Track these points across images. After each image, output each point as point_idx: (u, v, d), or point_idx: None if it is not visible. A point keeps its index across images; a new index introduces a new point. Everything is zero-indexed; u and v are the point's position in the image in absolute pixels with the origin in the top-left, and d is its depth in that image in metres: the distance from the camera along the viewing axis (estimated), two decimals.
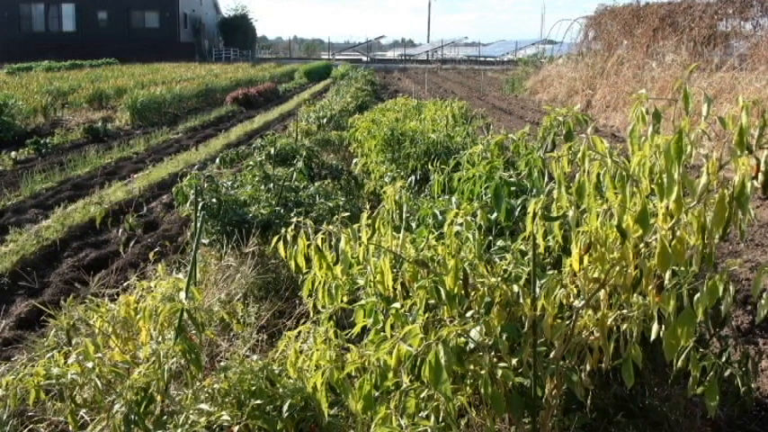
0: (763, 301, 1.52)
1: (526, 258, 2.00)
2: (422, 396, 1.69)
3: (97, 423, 1.83)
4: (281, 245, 2.12)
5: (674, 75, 11.99)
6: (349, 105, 10.61)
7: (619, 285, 1.72)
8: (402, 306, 1.95)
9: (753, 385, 1.95)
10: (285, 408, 1.83)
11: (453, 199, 2.80)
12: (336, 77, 25.01)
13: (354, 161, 5.70)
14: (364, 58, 48.72)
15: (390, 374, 1.68)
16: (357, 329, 2.06)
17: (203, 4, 49.65)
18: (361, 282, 2.14)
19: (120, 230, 5.18)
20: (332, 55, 55.63)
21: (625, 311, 1.76)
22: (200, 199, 3.72)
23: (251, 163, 4.99)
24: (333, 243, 2.04)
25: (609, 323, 1.77)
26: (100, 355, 1.90)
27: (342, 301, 2.13)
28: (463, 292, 1.88)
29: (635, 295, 1.73)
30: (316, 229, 2.05)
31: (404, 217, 2.53)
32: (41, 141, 9.49)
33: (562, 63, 19.17)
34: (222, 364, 2.06)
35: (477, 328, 1.80)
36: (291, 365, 1.90)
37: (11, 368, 2.14)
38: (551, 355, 1.84)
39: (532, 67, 21.81)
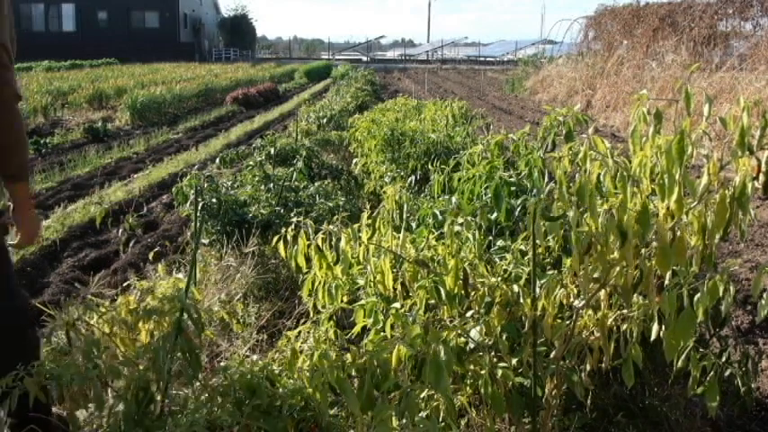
0: (763, 301, 1.52)
1: (526, 258, 2.00)
2: (422, 396, 1.69)
3: (97, 422, 1.83)
4: (281, 245, 2.12)
5: (673, 75, 12.00)
6: (349, 105, 10.61)
7: (619, 285, 1.72)
8: (402, 306, 1.95)
9: (753, 385, 1.95)
10: (285, 408, 1.83)
11: (453, 199, 2.80)
12: (336, 77, 25.02)
13: (354, 161, 5.70)
14: (364, 58, 48.73)
15: (390, 374, 1.68)
16: (357, 329, 2.06)
17: (203, 4, 49.67)
18: (361, 282, 2.14)
19: (120, 230, 5.18)
20: (332, 55, 55.65)
21: (625, 311, 1.76)
22: (200, 199, 3.73)
23: (251, 163, 4.99)
24: (333, 243, 2.04)
25: (609, 323, 1.77)
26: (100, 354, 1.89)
27: (342, 301, 2.13)
28: (463, 292, 1.88)
29: (635, 295, 1.73)
30: (316, 229, 2.05)
31: (404, 217, 2.54)
32: (41, 141, 9.49)
33: (562, 63, 19.18)
34: (222, 364, 2.06)
35: (477, 328, 1.80)
36: (291, 365, 1.90)
37: None
38: (551, 355, 1.84)
39: (532, 67, 21.81)
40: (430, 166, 3.61)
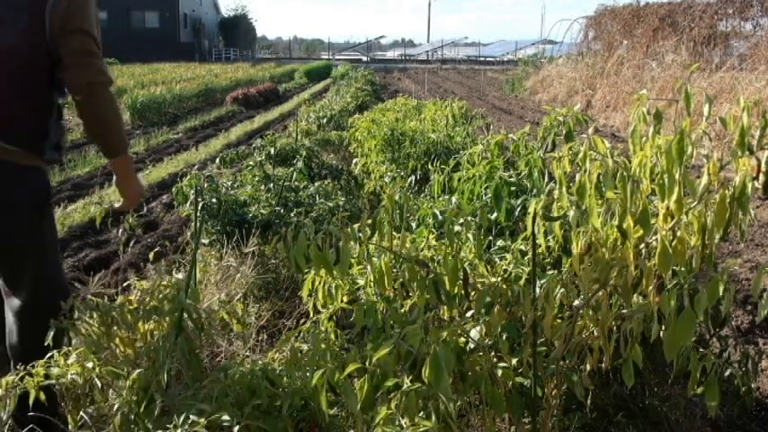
0: (763, 301, 1.52)
1: (526, 258, 1.99)
2: (422, 396, 1.69)
3: (97, 423, 1.83)
4: (281, 245, 2.11)
5: (673, 75, 12.00)
6: (349, 105, 10.61)
7: (619, 285, 1.72)
8: (402, 306, 1.95)
9: (753, 385, 1.95)
10: (285, 408, 1.83)
11: (453, 199, 2.80)
12: (336, 77, 25.01)
13: (354, 161, 5.69)
14: (364, 58, 48.73)
15: (390, 374, 1.68)
16: (357, 329, 2.06)
17: (203, 4, 49.67)
18: (361, 282, 2.14)
19: (120, 230, 5.17)
20: (332, 55, 55.66)
21: (625, 311, 1.76)
22: (200, 199, 3.72)
23: (251, 163, 4.99)
24: (333, 243, 2.04)
25: (609, 323, 1.77)
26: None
27: (342, 301, 2.13)
28: (463, 292, 1.88)
29: (635, 295, 1.73)
30: (316, 229, 2.05)
31: (404, 217, 2.53)
32: None
33: (562, 63, 19.18)
34: (222, 364, 2.06)
35: (477, 328, 1.80)
36: (291, 365, 1.90)
37: None
38: (551, 355, 1.84)
39: (532, 67, 21.81)
40: (430, 166, 3.61)
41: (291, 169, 4.73)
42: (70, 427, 1.93)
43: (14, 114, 2.05)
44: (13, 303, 2.18)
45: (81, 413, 1.91)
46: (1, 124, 2.03)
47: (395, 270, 1.98)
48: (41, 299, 2.12)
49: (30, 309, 2.13)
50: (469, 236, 2.04)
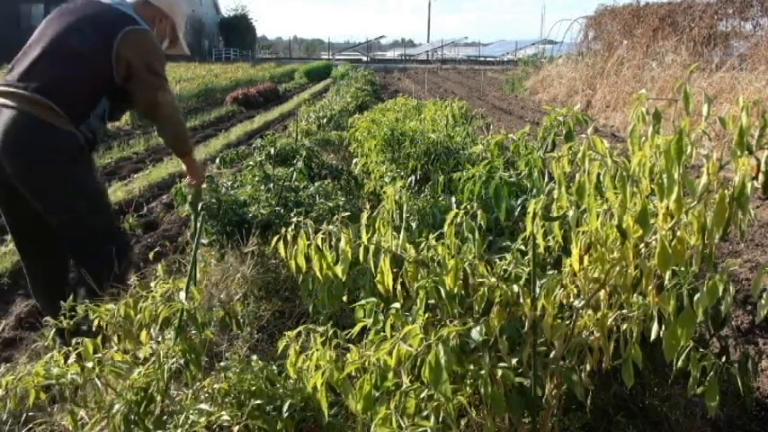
0: (763, 301, 1.52)
1: (526, 258, 1.99)
2: (422, 396, 1.69)
3: (97, 423, 1.83)
4: (281, 245, 2.11)
5: (673, 75, 12.00)
6: (349, 105, 10.60)
7: (619, 285, 1.72)
8: (402, 306, 1.95)
9: (753, 385, 1.95)
10: (285, 408, 1.83)
11: (453, 199, 2.80)
12: (336, 77, 25.00)
13: (354, 161, 5.69)
14: (364, 58, 48.73)
15: (390, 374, 1.68)
16: (357, 329, 2.06)
17: (203, 4, 49.65)
18: (361, 282, 2.14)
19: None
20: (332, 55, 55.67)
21: (625, 311, 1.75)
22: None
23: (251, 163, 4.99)
24: (333, 243, 2.04)
25: (609, 323, 1.77)
26: (100, 355, 1.90)
27: (342, 301, 2.13)
28: (463, 292, 1.88)
29: (635, 295, 1.73)
30: (316, 229, 2.05)
31: (404, 217, 2.53)
32: None
33: (562, 63, 19.18)
34: (222, 363, 2.06)
35: (477, 328, 1.79)
36: (291, 365, 1.90)
37: (11, 368, 2.14)
38: (551, 355, 1.84)
39: (532, 67, 21.81)
40: (430, 167, 3.61)
41: (291, 169, 4.72)
42: (70, 427, 1.93)
43: (68, 93, 2.63)
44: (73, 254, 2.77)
45: (81, 413, 1.91)
46: (56, 91, 2.58)
47: (395, 270, 1.98)
48: (91, 247, 2.68)
49: (82, 256, 2.70)
50: (469, 236, 2.04)
